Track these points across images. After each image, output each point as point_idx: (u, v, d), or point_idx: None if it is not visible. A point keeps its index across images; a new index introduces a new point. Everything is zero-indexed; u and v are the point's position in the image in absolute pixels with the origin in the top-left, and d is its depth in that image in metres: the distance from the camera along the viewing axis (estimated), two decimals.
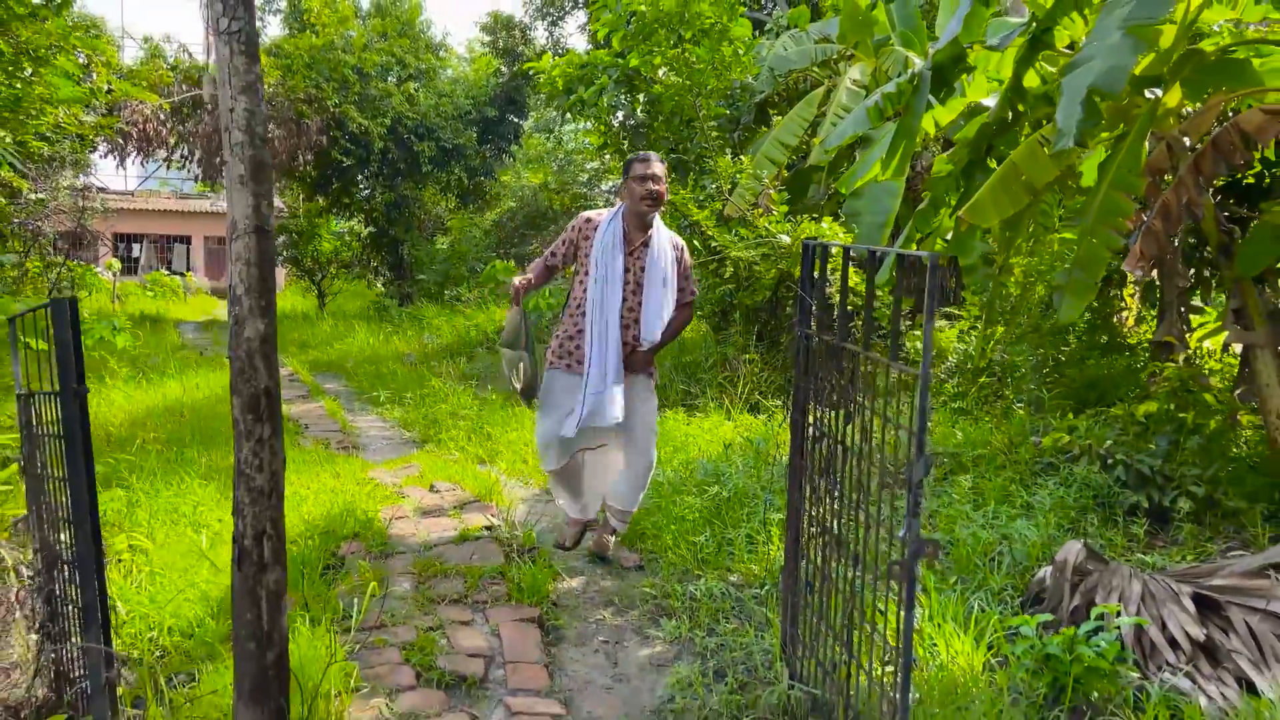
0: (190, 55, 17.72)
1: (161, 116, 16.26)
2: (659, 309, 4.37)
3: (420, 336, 13.96)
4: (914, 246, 5.88)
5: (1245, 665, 3.19)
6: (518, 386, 4.52)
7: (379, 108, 17.60)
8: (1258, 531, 4.41)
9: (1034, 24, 4.45)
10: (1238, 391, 5.40)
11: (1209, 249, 5.39)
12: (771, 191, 8.50)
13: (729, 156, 8.88)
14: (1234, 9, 5.22)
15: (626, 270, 4.35)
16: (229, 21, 2.41)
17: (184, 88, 16.68)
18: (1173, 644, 3.27)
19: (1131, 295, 7.45)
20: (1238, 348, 5.75)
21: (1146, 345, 6.73)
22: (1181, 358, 5.44)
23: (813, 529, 2.87)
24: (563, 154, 19.72)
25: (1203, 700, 3.00)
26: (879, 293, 6.63)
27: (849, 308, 2.58)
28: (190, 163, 17.52)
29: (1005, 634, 3.28)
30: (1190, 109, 5.16)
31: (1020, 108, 5.01)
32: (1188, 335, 5.93)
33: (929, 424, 5.96)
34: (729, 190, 8.56)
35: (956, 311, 8.55)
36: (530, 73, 10.16)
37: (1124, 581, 3.49)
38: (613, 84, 9.28)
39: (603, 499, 4.57)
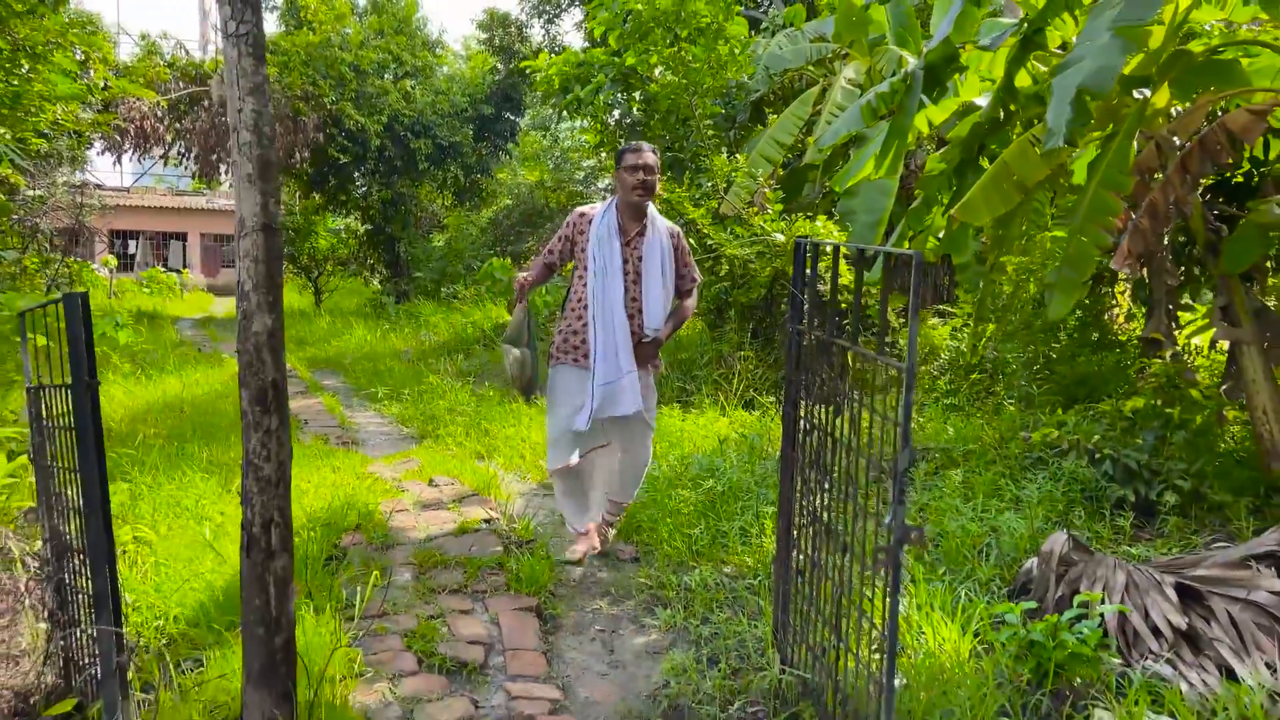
0: (187, 52, 17.75)
1: (159, 113, 16.29)
2: (660, 297, 4.40)
3: (417, 334, 14.02)
4: (906, 244, 5.96)
5: (1226, 653, 3.27)
6: (521, 384, 4.53)
7: (376, 105, 17.65)
8: (1242, 524, 4.49)
9: (1025, 24, 4.52)
10: (1224, 387, 5.48)
11: (1197, 247, 5.47)
12: (766, 190, 8.58)
13: (725, 155, 8.95)
14: (1223, 9, 5.31)
15: (625, 261, 4.37)
16: (237, 24, 2.48)
17: (180, 84, 16.71)
18: (1155, 632, 3.35)
19: (1122, 293, 7.53)
20: (1225, 344, 5.83)
21: (1136, 342, 6.81)
22: (1169, 354, 5.52)
23: (803, 519, 2.95)
24: (559, 151, 19.78)
25: (1184, 686, 3.08)
26: (873, 289, 6.71)
27: (841, 304, 2.67)
28: (187, 159, 17.57)
29: (991, 622, 3.36)
30: (1179, 109, 5.24)
31: (1012, 107, 5.08)
32: (1176, 332, 6.01)
33: (922, 419, 6.03)
34: (725, 189, 8.64)
35: (950, 309, 8.64)
36: (527, 71, 10.23)
37: (1108, 572, 3.57)
38: (609, 83, 9.36)
39: (603, 499, 4.61)
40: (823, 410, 2.79)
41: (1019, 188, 5.22)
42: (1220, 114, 5.22)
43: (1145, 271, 6.21)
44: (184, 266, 30.98)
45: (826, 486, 2.75)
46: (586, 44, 13.44)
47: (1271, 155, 5.65)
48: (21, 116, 8.97)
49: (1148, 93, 4.94)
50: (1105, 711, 2.87)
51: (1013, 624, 3.14)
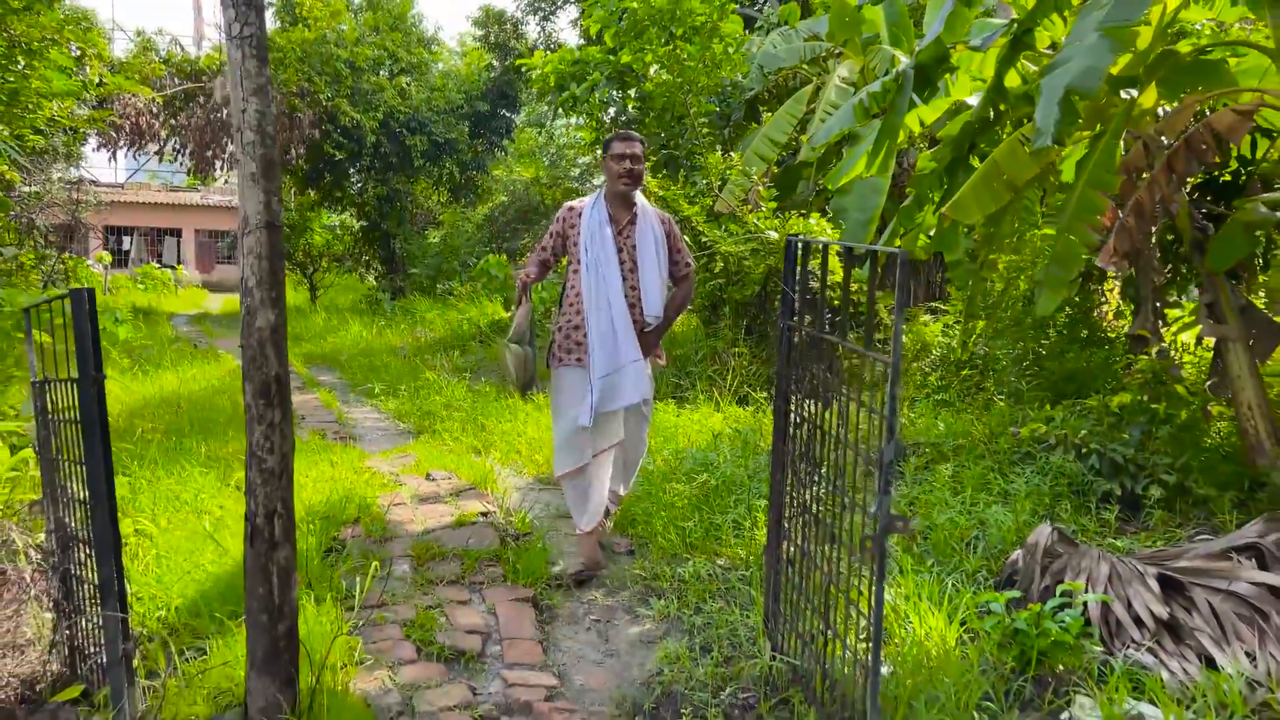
0: (181, 48, 17.77)
1: (154, 110, 16.31)
2: (657, 283, 4.39)
3: (413, 330, 14.08)
4: (898, 242, 6.03)
5: (1207, 642, 3.34)
6: (520, 381, 4.52)
7: (371, 102, 17.69)
8: (1226, 518, 4.56)
9: (1015, 25, 4.58)
10: (1209, 383, 5.56)
11: (1184, 245, 5.55)
12: (760, 187, 8.65)
13: (720, 153, 9.02)
14: (1211, 9, 5.38)
15: (620, 250, 4.35)
16: (241, 27, 2.54)
17: (176, 81, 16.74)
18: (1138, 622, 3.42)
19: (1111, 290, 7.62)
20: (1211, 341, 5.92)
21: (1124, 339, 6.89)
22: (1155, 350, 5.60)
23: (794, 510, 3.02)
24: (554, 149, 19.87)
25: (1164, 674, 3.15)
26: (865, 286, 6.77)
27: (834, 301, 2.74)
28: (182, 156, 17.59)
29: (977, 611, 3.43)
30: (1167, 108, 5.32)
31: (1002, 107, 5.15)
32: (1163, 329, 6.09)
33: (913, 414, 6.10)
34: (719, 186, 8.71)
35: (942, 306, 8.72)
36: (522, 69, 10.28)
37: (1092, 563, 3.64)
38: (604, 80, 9.42)
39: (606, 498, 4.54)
40: (812, 404, 2.86)
41: (1009, 186, 5.30)
42: (1209, 113, 5.29)
43: (1133, 269, 6.30)
44: (179, 262, 30.98)
45: (816, 479, 2.82)
46: (582, 41, 13.48)
47: (1259, 154, 5.73)
48: (19, 113, 9.00)
49: (1135, 93, 5.01)
50: (1086, 698, 2.94)
51: (997, 613, 3.22)
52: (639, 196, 4.48)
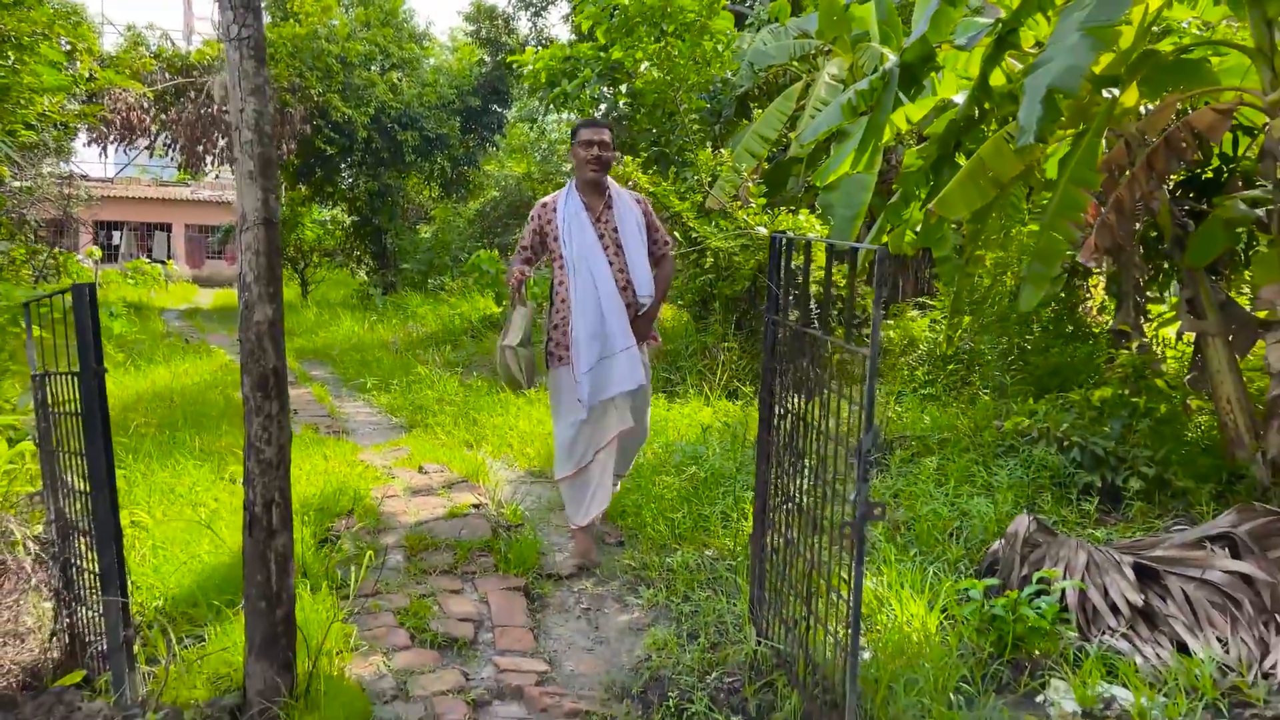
0: (172, 43, 17.75)
1: (145, 104, 16.30)
2: (643, 262, 4.38)
3: (404, 325, 14.13)
4: (885, 238, 6.12)
5: (1180, 629, 3.44)
6: (525, 382, 4.47)
7: (363, 97, 17.69)
8: (1204, 509, 4.65)
9: (1000, 24, 4.65)
10: (1189, 377, 5.66)
11: (1165, 242, 5.64)
12: (750, 184, 8.72)
13: (710, 149, 9.09)
14: (1194, 8, 5.47)
15: (600, 236, 4.34)
16: (239, 28, 2.60)
17: (166, 76, 16.72)
18: (1114, 609, 3.52)
19: (1096, 286, 7.72)
20: (1193, 335, 6.01)
21: (1108, 334, 6.99)
22: (1136, 345, 5.70)
23: (778, 499, 3.11)
24: (546, 144, 19.88)
25: (1139, 659, 3.25)
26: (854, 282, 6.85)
27: (825, 297, 2.81)
28: (173, 151, 17.57)
29: (957, 598, 3.52)
30: (1150, 106, 5.40)
31: (987, 105, 5.22)
32: (1144, 324, 6.19)
33: (900, 408, 6.19)
34: (710, 183, 8.78)
35: (929, 301, 8.81)
36: (514, 65, 10.33)
37: (1070, 552, 3.73)
38: (595, 77, 9.47)
39: (609, 497, 4.50)
40: (795, 396, 2.95)
41: (994, 183, 5.38)
42: (1192, 111, 5.38)
43: (1116, 265, 6.39)
44: (169, 257, 30.85)
45: (799, 469, 2.90)
46: (573, 37, 13.54)
47: (1239, 152, 5.83)
48: (10, 108, 9.02)
49: (1117, 92, 5.09)
50: (1061, 681, 3.04)
51: (976, 599, 3.31)
52: (610, 180, 4.47)
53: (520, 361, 4.43)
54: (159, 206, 32.05)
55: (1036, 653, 3.21)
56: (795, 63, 9.96)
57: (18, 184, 13.73)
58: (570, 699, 3.09)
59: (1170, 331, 6.76)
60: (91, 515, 2.81)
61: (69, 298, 2.81)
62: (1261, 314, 4.83)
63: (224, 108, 15.70)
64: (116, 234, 31.72)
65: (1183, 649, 3.32)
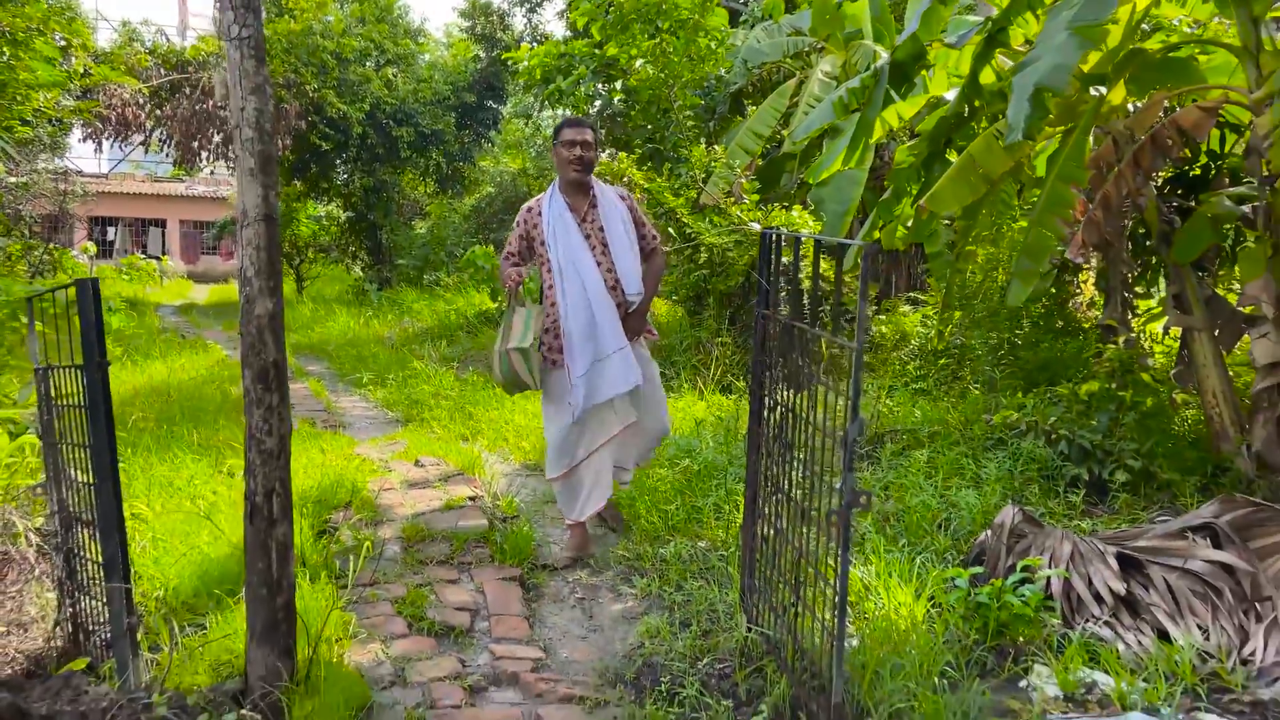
0: (167, 39, 17.75)
1: (140, 100, 16.31)
2: (632, 261, 4.36)
3: (400, 320, 14.18)
4: (877, 234, 6.18)
5: (1162, 617, 3.51)
6: (532, 382, 4.30)
7: (358, 93, 17.72)
8: (1189, 501, 4.73)
9: (990, 23, 4.71)
10: (1175, 372, 5.74)
11: (1153, 238, 5.71)
12: (744, 180, 8.79)
13: (704, 146, 9.15)
14: (1183, 6, 5.53)
15: (587, 237, 4.31)
16: (239, 28, 2.65)
17: (161, 71, 16.73)
18: (1098, 598, 3.59)
19: (1086, 281, 7.80)
20: (1180, 330, 6.09)
21: (1097, 329, 7.07)
22: (1123, 340, 5.77)
23: (767, 489, 3.17)
24: (541, 140, 19.92)
25: (1121, 646, 3.32)
26: (846, 277, 6.93)
27: (808, 291, 2.88)
28: (168, 146, 17.58)
29: (944, 587, 3.59)
30: (1138, 104, 5.47)
31: (977, 103, 5.27)
32: (1132, 319, 6.27)
33: (891, 402, 6.26)
34: (704, 179, 8.84)
35: (922, 297, 8.88)
36: (509, 62, 10.37)
37: (1056, 542, 3.80)
38: (590, 74, 9.52)
39: (605, 496, 4.49)
40: (784, 387, 3.01)
41: (984, 179, 5.44)
42: (1179, 109, 5.45)
43: (1105, 261, 6.47)
44: (163, 253, 30.84)
45: (788, 459, 2.97)
46: (569, 33, 13.57)
47: (1227, 149, 5.90)
48: (6, 104, 9.05)
49: (1105, 90, 5.15)
50: (1044, 666, 3.11)
51: (961, 588, 3.38)
52: (594, 179, 4.43)
53: (530, 362, 4.27)
54: (153, 202, 32.01)
55: (1020, 639, 3.28)
56: (789, 60, 10.02)
57: (13, 180, 13.75)
58: (565, 684, 3.15)
59: (1158, 326, 6.83)
60: (95, 504, 2.87)
61: (68, 293, 2.87)
62: (1247, 309, 4.91)
63: (219, 104, 15.73)
64: (111, 230, 31.69)
65: (1164, 636, 3.39)
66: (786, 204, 8.59)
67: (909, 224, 6.06)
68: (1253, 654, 3.27)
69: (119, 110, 16.08)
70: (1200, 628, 3.42)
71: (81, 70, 13.17)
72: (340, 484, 5.07)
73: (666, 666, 3.24)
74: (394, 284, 18.67)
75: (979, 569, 3.60)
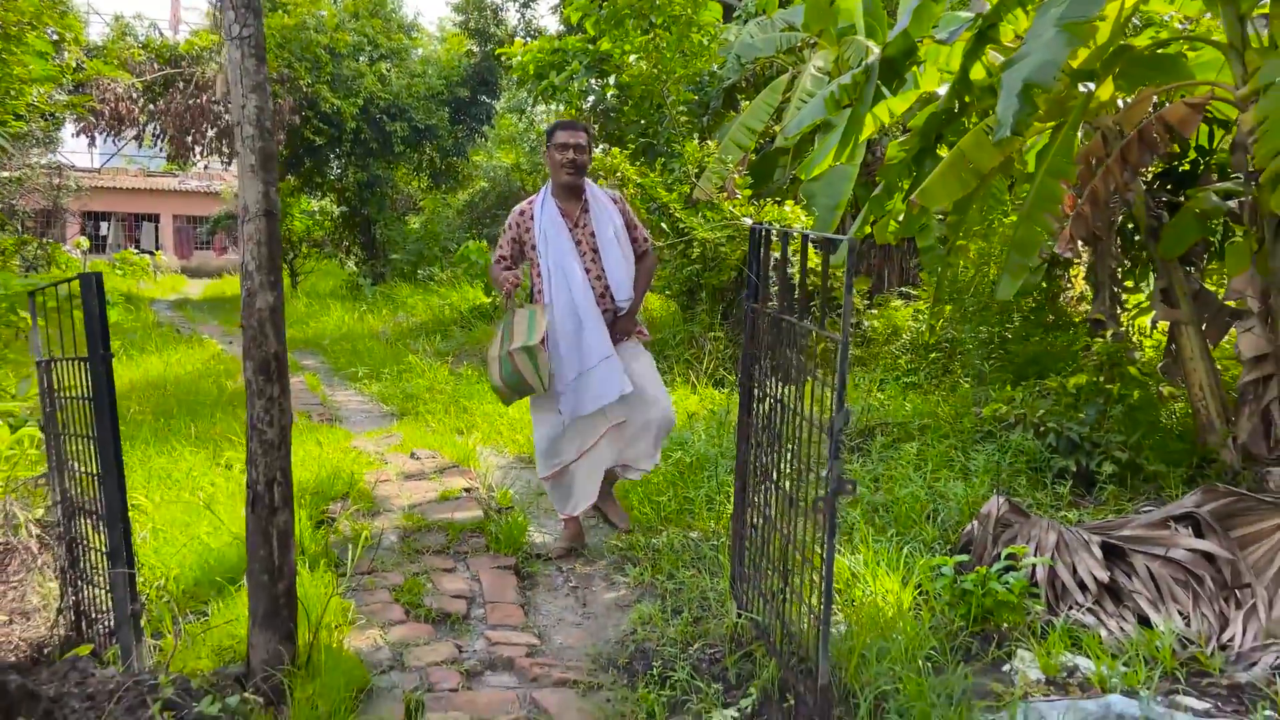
0: (160, 33, 17.74)
1: (133, 95, 16.31)
2: (623, 266, 4.30)
3: (394, 315, 14.22)
4: (868, 229, 6.25)
5: (1144, 604, 3.59)
6: (539, 385, 4.16)
7: (351, 88, 17.72)
8: (1174, 493, 4.80)
9: (980, 19, 4.77)
10: (1162, 365, 5.81)
11: (1140, 233, 5.78)
12: (737, 175, 8.84)
13: (697, 141, 9.20)
14: (1172, 3, 5.59)
15: (578, 242, 4.26)
16: (240, 28, 2.70)
17: (155, 66, 16.72)
18: (1081, 586, 3.67)
19: (1076, 276, 7.87)
20: (1167, 324, 6.16)
21: (1086, 323, 7.14)
22: (1111, 334, 5.84)
23: (756, 478, 3.24)
24: (535, 135, 19.94)
25: (1103, 632, 3.40)
26: (834, 271, 6.99)
27: (799, 285, 2.95)
28: (161, 141, 17.58)
29: (931, 575, 3.66)
30: (1127, 100, 5.53)
31: (967, 99, 5.33)
32: (1120, 313, 6.34)
33: (882, 395, 6.33)
34: (697, 174, 8.89)
35: (913, 291, 8.96)
36: (502, 57, 10.40)
37: (1041, 532, 3.88)
38: (584, 69, 9.56)
39: (597, 492, 4.45)
40: (774, 380, 3.08)
41: (975, 175, 5.49)
42: (1168, 104, 5.51)
43: (1094, 255, 6.54)
44: (157, 248, 30.78)
45: (777, 449, 3.03)
46: (562, 29, 13.61)
47: (1214, 145, 5.97)
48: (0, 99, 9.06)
49: (1093, 86, 5.21)
50: (1027, 651, 3.19)
51: (947, 575, 3.46)
52: (588, 182, 4.37)
53: (536, 361, 4.10)
54: (147, 197, 31.93)
55: (1004, 625, 3.36)
56: (782, 55, 10.07)
57: (6, 174, 13.76)
58: (559, 669, 3.22)
59: (1146, 320, 6.91)
60: (100, 492, 2.92)
61: (70, 287, 2.92)
62: (1233, 303, 4.98)
63: (212, 98, 15.73)
64: (104, 224, 31.62)
65: (1146, 623, 3.47)
66: (779, 199, 8.65)
67: (900, 219, 6.12)
68: (1231, 639, 3.35)
69: (112, 105, 16.06)
70: (1181, 614, 3.50)
71: (74, 65, 13.17)
72: (338, 476, 5.13)
73: (658, 652, 3.31)
74: (388, 279, 18.69)
75: (965, 557, 3.67)
